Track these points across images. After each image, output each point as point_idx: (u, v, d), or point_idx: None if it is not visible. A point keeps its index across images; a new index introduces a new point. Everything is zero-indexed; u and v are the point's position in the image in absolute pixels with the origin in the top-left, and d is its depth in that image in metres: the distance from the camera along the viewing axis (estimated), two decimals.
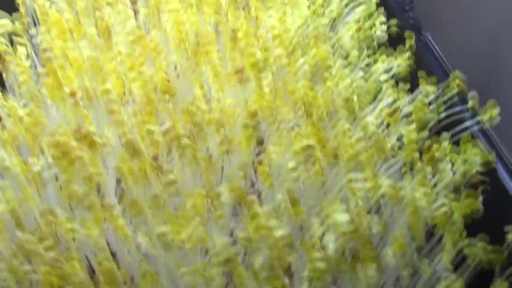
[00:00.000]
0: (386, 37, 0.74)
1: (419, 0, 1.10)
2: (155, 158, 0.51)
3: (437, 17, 1.13)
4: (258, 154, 0.67)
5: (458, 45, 1.00)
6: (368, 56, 0.70)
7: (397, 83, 0.66)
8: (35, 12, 0.80)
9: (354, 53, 0.72)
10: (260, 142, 0.64)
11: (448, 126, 0.61)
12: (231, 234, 0.58)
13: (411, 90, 0.63)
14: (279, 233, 0.44)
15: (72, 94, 0.58)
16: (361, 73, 0.64)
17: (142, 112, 0.56)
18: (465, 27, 1.14)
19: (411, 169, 0.59)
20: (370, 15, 0.79)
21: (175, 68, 0.71)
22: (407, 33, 0.67)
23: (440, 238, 0.50)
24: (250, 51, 0.56)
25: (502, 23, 1.08)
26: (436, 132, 0.60)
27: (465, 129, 0.59)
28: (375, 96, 0.66)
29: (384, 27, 0.74)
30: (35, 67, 0.70)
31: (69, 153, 0.49)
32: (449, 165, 0.50)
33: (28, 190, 0.47)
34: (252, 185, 0.66)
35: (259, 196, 0.57)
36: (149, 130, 0.51)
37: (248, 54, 0.56)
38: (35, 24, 0.82)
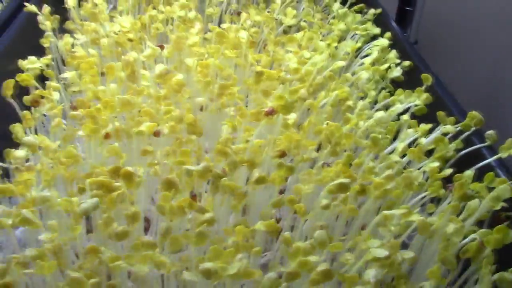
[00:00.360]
0: (402, 77, 0.77)
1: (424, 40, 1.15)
2: (194, 196, 0.53)
3: (439, 56, 1.18)
4: (281, 191, 0.69)
5: (459, 81, 1.04)
6: (385, 96, 0.73)
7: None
8: (59, 52, 0.84)
9: (372, 93, 0.75)
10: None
11: (465, 158, 0.64)
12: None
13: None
14: (320, 268, 0.45)
15: (107, 136, 0.61)
16: (381, 113, 0.66)
17: (176, 152, 0.58)
18: (465, 65, 1.18)
19: (431, 201, 0.61)
20: (383, 55, 0.82)
21: (201, 109, 0.73)
22: (424, 76, 0.70)
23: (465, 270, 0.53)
24: (280, 94, 0.58)
25: (501, 60, 1.12)
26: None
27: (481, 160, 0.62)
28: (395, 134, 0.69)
29: (400, 69, 0.77)
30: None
31: (110, 192, 0.51)
32: (477, 200, 0.52)
33: (75, 227, 0.49)
34: (278, 221, 0.67)
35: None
36: (188, 170, 0.53)
37: (278, 97, 0.58)
38: (58, 65, 0.85)
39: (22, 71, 0.72)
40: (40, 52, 0.83)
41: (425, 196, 0.59)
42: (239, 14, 1.02)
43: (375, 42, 0.84)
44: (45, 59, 0.75)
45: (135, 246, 0.48)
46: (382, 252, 0.46)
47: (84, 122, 0.63)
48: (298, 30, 0.95)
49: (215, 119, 0.73)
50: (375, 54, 0.80)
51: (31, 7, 0.85)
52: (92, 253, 0.47)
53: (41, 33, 0.86)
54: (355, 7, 0.97)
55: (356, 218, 0.57)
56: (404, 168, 0.62)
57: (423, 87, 0.70)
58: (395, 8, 1.20)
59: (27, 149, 0.56)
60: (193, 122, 0.65)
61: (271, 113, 0.59)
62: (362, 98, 0.76)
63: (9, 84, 0.63)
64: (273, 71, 0.71)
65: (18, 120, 0.65)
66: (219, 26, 0.89)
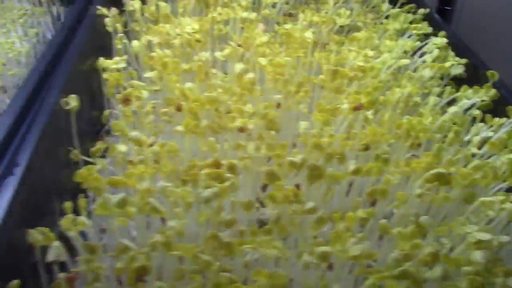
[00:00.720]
0: (464, 74, 0.81)
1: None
2: (297, 186, 0.57)
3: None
4: None
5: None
6: (452, 92, 0.77)
7: None
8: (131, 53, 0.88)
9: (435, 90, 0.79)
10: None
11: None
12: None
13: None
14: (428, 250, 0.49)
15: (202, 131, 0.64)
16: (454, 108, 0.70)
17: (266, 146, 0.62)
18: (507, 64, 1.22)
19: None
20: (442, 53, 0.86)
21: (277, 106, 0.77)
22: (490, 72, 0.74)
23: None
24: (367, 91, 0.62)
25: None
26: None
27: None
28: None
29: (461, 66, 0.81)
30: None
31: (222, 182, 0.55)
32: None
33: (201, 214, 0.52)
34: None
35: None
36: (292, 162, 0.56)
37: (366, 93, 0.62)
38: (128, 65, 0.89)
39: (93, 72, 0.77)
40: (103, 53, 0.87)
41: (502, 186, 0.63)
42: (290, 15, 1.06)
43: (433, 41, 0.87)
44: (121, 60, 0.79)
45: (253, 232, 0.51)
46: (485, 236, 0.50)
47: (172, 119, 0.67)
48: (350, 30, 0.99)
49: (287, 115, 0.76)
50: (435, 52, 0.84)
51: (102, 10, 0.88)
52: (212, 239, 0.51)
53: (98, 34, 0.90)
54: (406, 7, 1.00)
55: (442, 206, 0.61)
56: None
57: (489, 83, 0.74)
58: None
59: (133, 143, 0.60)
60: (273, 119, 0.69)
61: (359, 108, 0.63)
62: (425, 95, 0.79)
63: (109, 83, 0.67)
64: (345, 69, 0.75)
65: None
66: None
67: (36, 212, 0.60)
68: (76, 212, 0.56)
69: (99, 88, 0.82)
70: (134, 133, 0.60)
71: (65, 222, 0.48)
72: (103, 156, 0.69)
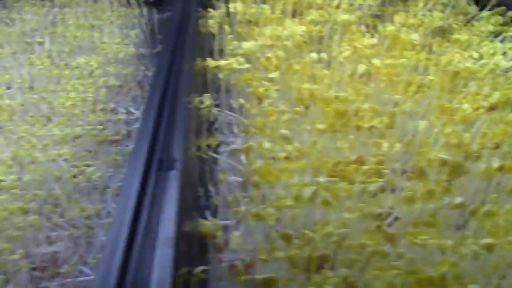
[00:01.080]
0: None
1: None
2: (447, 181, 0.60)
3: None
4: None
5: None
6: None
7: None
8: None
9: None
10: None
11: None
12: None
13: None
14: None
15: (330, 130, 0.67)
16: None
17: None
18: None
19: None
20: None
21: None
22: None
23: None
24: (504, 92, 0.65)
25: None
26: None
27: None
28: None
29: None
30: None
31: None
32: None
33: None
34: None
35: None
36: (443, 159, 0.59)
37: (503, 94, 0.65)
38: None
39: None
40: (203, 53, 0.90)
41: None
42: (377, 17, 1.08)
43: None
44: (239, 60, 0.83)
45: (415, 224, 0.55)
46: None
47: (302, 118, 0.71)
48: (440, 32, 1.02)
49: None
50: None
51: (212, 12, 0.92)
52: (378, 228, 0.54)
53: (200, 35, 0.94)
54: (496, 10, 1.03)
55: None
56: None
57: None
58: None
59: (283, 141, 0.63)
60: (392, 118, 0.72)
61: (493, 108, 0.66)
62: None
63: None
64: (462, 71, 0.78)
65: None
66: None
67: (190, 204, 0.64)
68: None
69: (203, 87, 0.86)
70: (285, 131, 0.63)
71: (252, 214, 0.52)
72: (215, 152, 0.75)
